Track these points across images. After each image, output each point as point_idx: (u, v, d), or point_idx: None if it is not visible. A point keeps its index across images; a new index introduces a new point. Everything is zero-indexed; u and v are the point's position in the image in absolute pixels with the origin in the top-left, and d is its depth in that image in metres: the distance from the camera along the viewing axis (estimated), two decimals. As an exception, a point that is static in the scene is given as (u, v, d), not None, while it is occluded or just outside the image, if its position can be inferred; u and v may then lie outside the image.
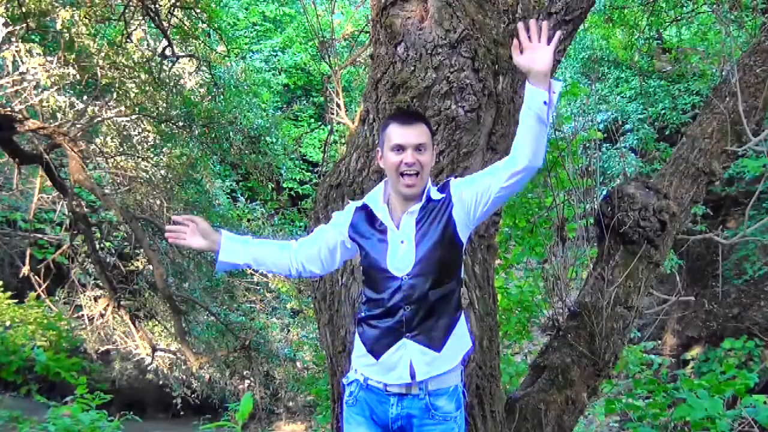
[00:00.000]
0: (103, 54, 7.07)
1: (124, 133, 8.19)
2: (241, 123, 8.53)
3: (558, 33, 2.15)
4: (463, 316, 2.30)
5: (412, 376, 2.17)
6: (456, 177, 2.39)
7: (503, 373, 4.86)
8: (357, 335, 2.33)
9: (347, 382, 2.33)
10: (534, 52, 2.03)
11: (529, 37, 2.05)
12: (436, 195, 2.24)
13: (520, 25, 2.10)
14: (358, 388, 2.27)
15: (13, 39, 6.42)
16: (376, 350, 2.22)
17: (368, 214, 2.27)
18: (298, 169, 13.85)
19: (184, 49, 8.00)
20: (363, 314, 2.30)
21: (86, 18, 6.68)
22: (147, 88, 7.39)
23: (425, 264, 2.17)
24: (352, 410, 2.29)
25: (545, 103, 2.02)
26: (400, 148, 2.17)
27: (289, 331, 11.81)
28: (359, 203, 2.32)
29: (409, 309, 2.17)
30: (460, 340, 2.27)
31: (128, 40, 7.30)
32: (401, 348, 2.18)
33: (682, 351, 10.90)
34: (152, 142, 8.45)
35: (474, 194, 2.19)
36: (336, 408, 2.99)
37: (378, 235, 2.23)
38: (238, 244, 2.34)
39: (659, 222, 3.62)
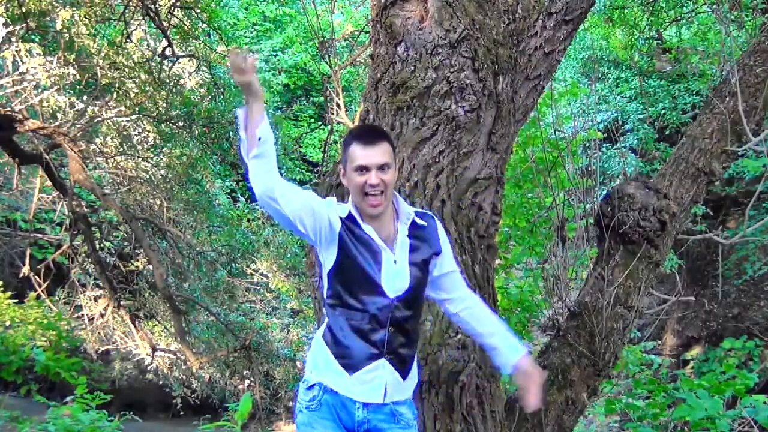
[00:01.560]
0: (103, 54, 7.08)
1: (124, 133, 8.19)
2: (241, 123, 8.51)
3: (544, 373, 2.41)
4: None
5: (384, 398, 2.18)
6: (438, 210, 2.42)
7: (503, 373, 4.86)
8: (324, 346, 2.22)
9: (307, 386, 2.23)
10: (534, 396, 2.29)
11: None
12: (419, 220, 2.25)
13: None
14: (322, 391, 2.19)
15: (13, 39, 6.42)
16: (351, 365, 2.17)
17: (356, 226, 2.20)
18: (298, 169, 13.86)
19: (184, 49, 8.00)
20: (340, 325, 2.19)
21: (86, 18, 6.69)
22: (147, 88, 7.39)
23: (413, 291, 2.20)
24: (316, 414, 2.20)
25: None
26: (363, 169, 2.15)
27: (289, 331, 11.81)
28: (344, 212, 2.20)
29: (392, 331, 2.17)
30: (415, 373, 2.31)
31: (128, 40, 7.31)
32: (380, 368, 2.17)
33: (682, 351, 10.90)
34: (152, 142, 8.45)
35: (439, 268, 2.30)
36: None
37: (367, 247, 2.19)
38: (269, 127, 2.11)
39: (659, 222, 3.62)
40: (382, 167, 2.15)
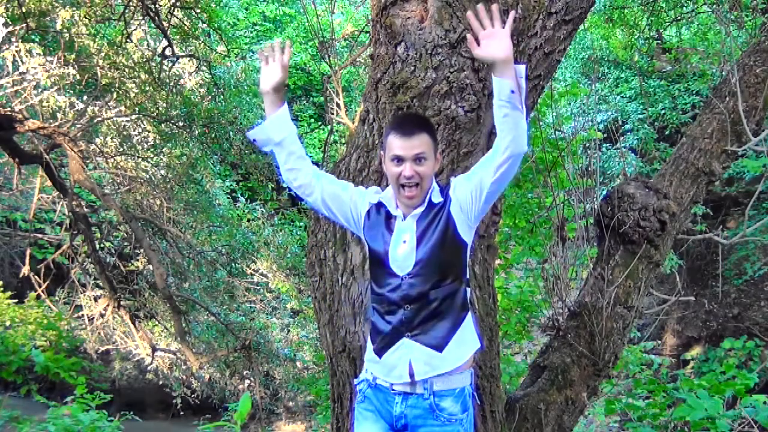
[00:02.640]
0: (103, 54, 7.08)
1: (124, 133, 8.19)
2: (241, 123, 8.53)
3: (512, 13, 2.10)
4: (470, 317, 2.28)
5: (411, 375, 2.18)
6: (456, 176, 2.41)
7: (503, 373, 4.86)
8: (368, 333, 2.37)
9: (357, 382, 2.35)
10: (492, 40, 2.01)
11: (482, 25, 2.03)
12: (437, 198, 2.25)
13: (469, 14, 2.07)
14: (367, 386, 2.29)
15: (13, 39, 6.42)
16: (379, 349, 2.25)
17: (381, 212, 2.29)
18: (298, 169, 13.78)
19: (184, 49, 8.00)
20: (373, 314, 2.32)
21: (86, 18, 6.69)
22: (147, 88, 7.39)
23: (425, 265, 2.18)
24: (362, 406, 2.31)
25: (512, 91, 1.99)
26: (399, 160, 2.18)
27: (289, 331, 11.81)
28: (375, 199, 2.32)
29: (410, 308, 2.18)
30: (466, 340, 2.24)
31: (128, 40, 7.30)
32: (401, 347, 2.20)
33: (682, 351, 10.91)
34: (152, 142, 8.45)
35: (469, 192, 2.19)
36: (336, 408, 2.99)
37: (385, 231, 2.25)
38: (289, 121, 2.26)
39: (659, 222, 3.62)
40: (417, 159, 2.17)
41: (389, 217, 2.27)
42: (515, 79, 2.00)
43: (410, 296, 2.17)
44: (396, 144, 2.18)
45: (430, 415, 2.18)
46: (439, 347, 2.18)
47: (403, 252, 2.20)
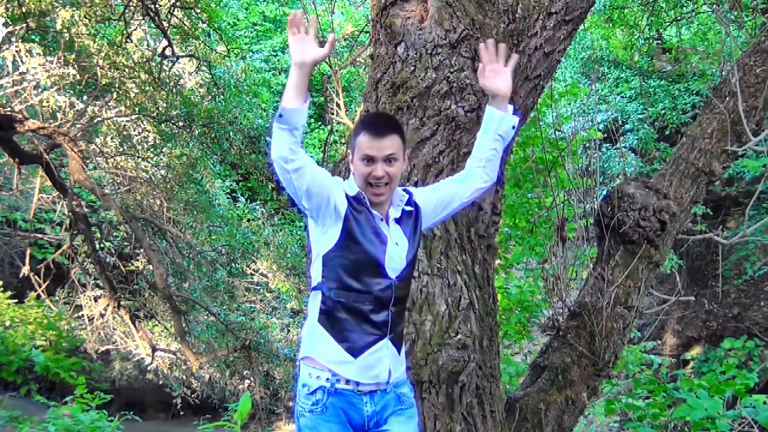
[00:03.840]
0: (103, 54, 7.08)
1: (124, 133, 8.19)
2: (241, 123, 8.53)
3: (515, 56, 2.39)
4: None
5: (389, 377, 2.19)
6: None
7: (503, 373, 4.86)
8: (324, 332, 2.15)
9: (309, 392, 2.14)
10: (497, 76, 2.30)
11: (489, 59, 2.30)
12: (408, 206, 2.30)
13: (482, 45, 2.33)
14: (326, 394, 2.12)
15: (13, 39, 6.43)
16: (354, 349, 2.14)
17: (361, 210, 2.18)
18: (297, 169, 13.80)
19: (184, 49, 8.01)
20: (339, 308, 2.14)
21: (86, 18, 6.69)
22: (147, 88, 7.40)
23: (408, 270, 2.26)
24: (322, 418, 2.13)
25: (513, 127, 2.32)
26: (370, 159, 2.15)
27: (289, 331, 11.81)
28: (352, 191, 2.19)
29: (393, 311, 2.20)
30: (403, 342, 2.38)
31: (128, 40, 7.31)
32: (383, 348, 2.17)
33: (682, 351, 10.91)
34: (152, 142, 8.45)
35: (434, 204, 2.34)
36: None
37: (372, 229, 2.19)
38: (297, 101, 2.05)
39: (659, 222, 3.62)
40: (388, 159, 2.15)
41: (370, 217, 2.19)
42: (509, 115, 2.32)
43: (398, 298, 2.21)
44: (367, 144, 2.15)
45: (398, 403, 2.22)
46: (399, 350, 2.26)
47: (397, 255, 2.21)
